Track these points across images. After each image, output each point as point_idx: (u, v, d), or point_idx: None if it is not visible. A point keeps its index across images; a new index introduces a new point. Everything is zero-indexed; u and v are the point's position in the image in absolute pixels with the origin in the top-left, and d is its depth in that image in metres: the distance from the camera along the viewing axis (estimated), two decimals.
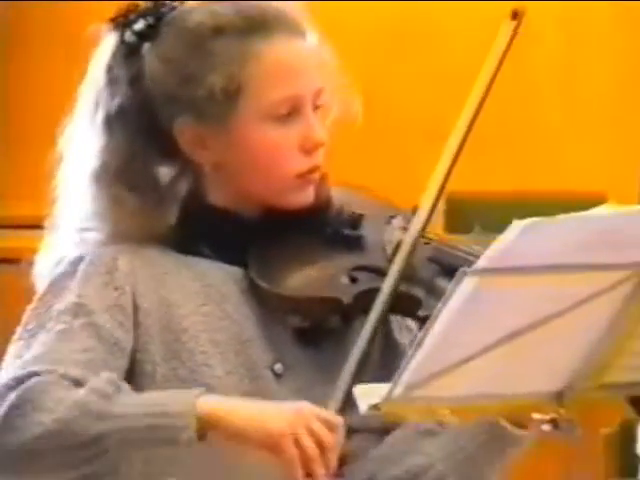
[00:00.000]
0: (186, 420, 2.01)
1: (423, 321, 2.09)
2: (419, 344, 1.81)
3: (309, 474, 2.00)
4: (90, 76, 2.21)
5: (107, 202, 2.21)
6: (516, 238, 1.75)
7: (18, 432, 2.05)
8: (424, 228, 2.14)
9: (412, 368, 1.83)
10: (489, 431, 2.13)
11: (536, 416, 1.99)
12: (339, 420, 2.00)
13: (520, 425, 2.10)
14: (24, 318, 2.20)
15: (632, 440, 3.48)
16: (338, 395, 2.05)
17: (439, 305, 1.79)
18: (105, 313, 2.18)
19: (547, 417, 1.99)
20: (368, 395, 1.93)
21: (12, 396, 2.01)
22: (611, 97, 5.94)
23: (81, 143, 2.21)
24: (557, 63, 6.68)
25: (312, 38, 2.22)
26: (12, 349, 2.15)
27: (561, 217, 1.77)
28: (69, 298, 2.16)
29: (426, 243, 2.18)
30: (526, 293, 1.85)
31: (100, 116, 2.18)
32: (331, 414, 2.03)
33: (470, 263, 1.90)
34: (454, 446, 2.19)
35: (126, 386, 2.09)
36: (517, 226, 1.71)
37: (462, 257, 2.16)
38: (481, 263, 1.75)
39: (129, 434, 2.04)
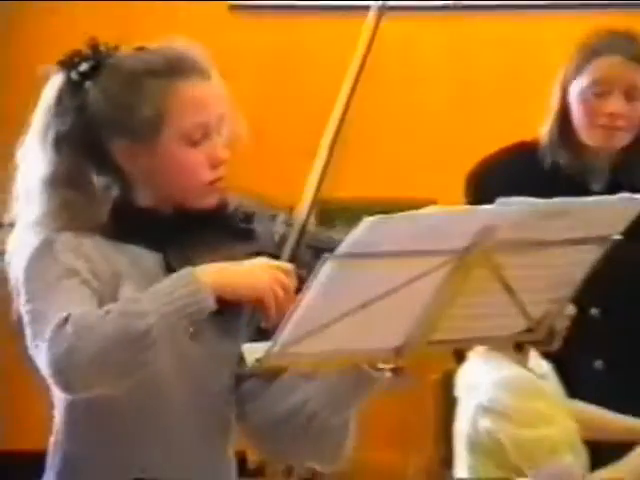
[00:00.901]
0: (203, 294, 2.38)
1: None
2: (293, 311, 2.20)
3: (281, 312, 2.37)
4: (42, 105, 2.56)
5: (57, 202, 2.54)
6: (365, 231, 2.13)
7: (84, 351, 2.37)
8: (305, 224, 2.54)
9: (287, 330, 2.21)
10: (354, 374, 2.47)
11: (381, 366, 2.42)
12: (291, 266, 2.45)
13: (376, 369, 2.48)
14: (25, 308, 2.52)
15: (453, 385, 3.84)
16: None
17: (308, 281, 2.18)
18: (88, 273, 2.50)
19: (389, 366, 2.42)
20: (254, 352, 2.33)
21: (67, 329, 2.34)
22: (445, 116, 6.33)
23: (34, 157, 2.55)
24: (398, 81, 7.13)
25: (216, 79, 2.58)
26: (30, 329, 2.48)
27: (397, 215, 2.17)
28: (57, 268, 2.48)
29: (305, 234, 2.56)
30: (373, 272, 2.23)
31: (50, 136, 2.52)
32: (285, 264, 2.47)
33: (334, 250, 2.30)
34: (326, 386, 2.54)
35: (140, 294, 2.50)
36: (366, 221, 2.10)
37: (330, 245, 2.43)
38: (339, 250, 2.13)
39: (168, 319, 2.38)
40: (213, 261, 2.50)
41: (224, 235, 2.62)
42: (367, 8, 3.05)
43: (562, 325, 3.22)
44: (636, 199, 2.44)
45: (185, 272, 2.42)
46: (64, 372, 2.43)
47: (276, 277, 2.44)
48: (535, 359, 3.75)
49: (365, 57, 2.59)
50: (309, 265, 2.49)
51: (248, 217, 2.62)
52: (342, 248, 2.15)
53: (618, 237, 2.44)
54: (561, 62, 3.95)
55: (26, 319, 2.50)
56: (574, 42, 3.94)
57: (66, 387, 2.44)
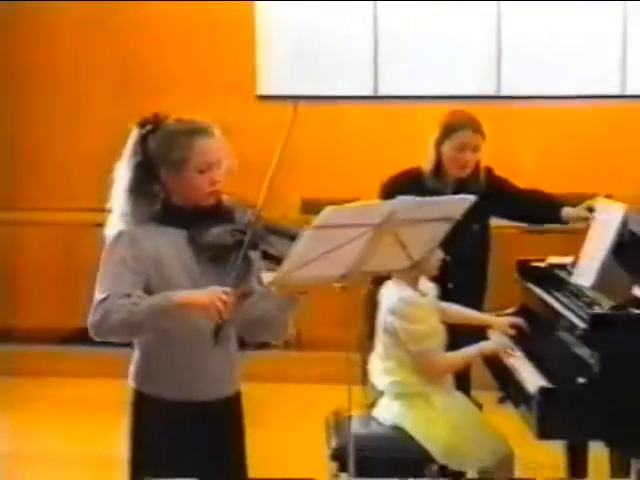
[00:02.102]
0: (174, 304, 3.22)
1: (264, 254, 3.34)
2: (289, 255, 3.15)
3: (221, 319, 3.16)
4: (128, 145, 3.40)
5: (130, 203, 3.38)
6: (326, 214, 3.12)
7: (105, 325, 3.24)
8: (259, 214, 3.30)
9: (286, 266, 3.17)
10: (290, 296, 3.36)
11: (337, 285, 3.40)
12: (229, 290, 3.16)
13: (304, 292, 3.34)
14: (100, 266, 3.36)
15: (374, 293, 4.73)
16: (232, 282, 3.24)
17: (297, 240, 3.12)
18: (133, 264, 3.32)
19: (339, 285, 3.41)
20: (267, 278, 3.33)
21: (102, 306, 3.24)
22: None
23: (122, 175, 3.39)
24: None
25: (217, 137, 3.41)
26: (97, 283, 3.33)
27: (343, 205, 3.17)
28: (116, 255, 3.34)
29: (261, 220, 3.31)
30: (330, 235, 3.18)
31: (130, 164, 3.39)
32: (225, 289, 3.15)
33: (289, 230, 3.27)
34: (277, 302, 3.38)
35: (145, 296, 3.26)
36: (327, 209, 3.14)
37: (281, 229, 3.34)
38: (314, 225, 3.11)
39: (153, 313, 3.24)
40: (213, 233, 3.30)
41: (218, 219, 3.40)
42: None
43: (435, 264, 4.50)
44: (465, 199, 3.51)
45: (166, 296, 3.22)
46: (93, 330, 3.28)
47: (217, 297, 3.16)
48: (423, 283, 4.68)
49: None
50: (265, 237, 3.32)
51: (231, 210, 3.45)
52: (315, 223, 3.11)
53: (458, 218, 3.51)
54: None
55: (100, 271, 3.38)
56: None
57: (93, 335, 3.29)
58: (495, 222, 5.53)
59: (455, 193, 4.90)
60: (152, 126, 3.42)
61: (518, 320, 4.78)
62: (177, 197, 3.43)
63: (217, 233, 3.36)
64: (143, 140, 3.41)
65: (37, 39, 9.32)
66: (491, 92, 9.08)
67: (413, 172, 5.17)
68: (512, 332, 4.71)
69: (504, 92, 9.10)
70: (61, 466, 6.27)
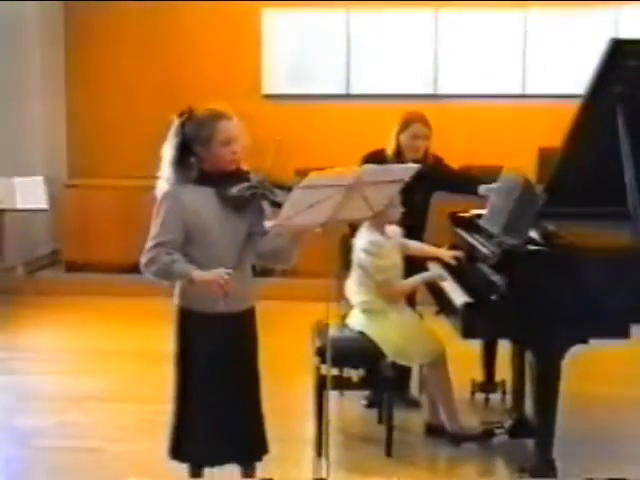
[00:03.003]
0: (192, 277, 3.28)
1: (271, 203, 3.35)
2: (284, 204, 3.15)
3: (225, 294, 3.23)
4: (171, 130, 3.42)
5: (174, 170, 3.42)
6: (312, 177, 3.15)
7: (150, 268, 3.33)
8: (267, 175, 3.34)
9: (282, 216, 3.19)
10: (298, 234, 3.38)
11: (317, 230, 3.39)
12: (230, 271, 3.21)
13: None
14: (152, 217, 3.40)
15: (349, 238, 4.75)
16: (248, 225, 3.36)
17: (292, 192, 3.11)
18: (177, 214, 3.35)
19: (321, 229, 3.40)
20: (268, 224, 3.37)
21: (151, 252, 3.32)
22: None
23: (167, 151, 3.42)
24: None
25: (235, 119, 3.42)
26: (151, 229, 3.38)
27: (325, 170, 3.20)
28: (163, 209, 3.38)
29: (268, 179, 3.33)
30: (315, 193, 3.18)
31: (173, 143, 3.42)
32: (227, 271, 3.21)
33: (288, 185, 3.27)
34: (286, 239, 3.41)
35: (181, 259, 3.30)
36: (312, 173, 3.16)
37: (283, 184, 3.33)
38: (302, 184, 3.12)
39: (178, 276, 3.33)
40: (234, 189, 3.32)
41: (237, 180, 3.41)
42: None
43: (397, 215, 4.49)
44: (411, 167, 3.55)
45: (187, 272, 3.27)
46: (142, 268, 3.34)
47: (219, 276, 3.23)
48: (390, 228, 4.71)
49: None
50: (271, 190, 3.32)
51: (247, 173, 3.44)
52: (302, 183, 3.14)
53: (407, 180, 3.54)
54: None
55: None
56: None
57: (142, 270, 3.35)
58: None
59: None
60: (187, 115, 3.44)
61: (458, 253, 4.75)
62: (207, 165, 3.43)
63: (237, 189, 3.37)
64: (181, 126, 3.43)
65: (106, 45, 9.39)
66: (430, 92, 9.06)
67: (380, 153, 5.11)
68: (454, 262, 4.69)
69: (440, 92, 9.09)
70: (119, 358, 6.36)
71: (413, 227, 4.99)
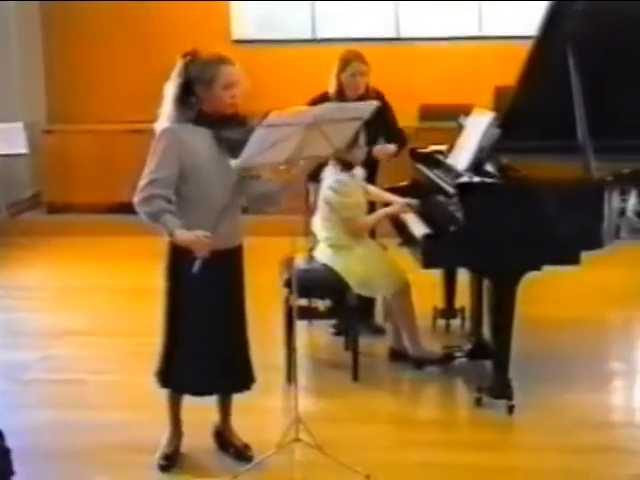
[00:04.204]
0: (173, 232, 3.21)
1: None
2: (246, 147, 3.06)
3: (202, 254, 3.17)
4: (174, 70, 3.35)
5: (175, 108, 3.34)
6: (273, 116, 3.08)
7: (143, 209, 3.23)
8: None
9: (245, 156, 3.10)
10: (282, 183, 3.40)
11: (281, 167, 3.39)
12: (207, 234, 3.15)
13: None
14: (150, 152, 3.33)
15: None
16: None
17: (254, 132, 3.04)
18: (174, 151, 3.28)
19: (285, 167, 3.37)
20: (233, 163, 3.24)
21: (146, 190, 3.23)
22: None
23: (174, 90, 3.35)
24: None
25: (237, 65, 3.38)
26: (147, 164, 3.30)
27: (285, 109, 3.13)
28: (161, 145, 3.31)
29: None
30: (276, 131, 3.08)
31: (176, 82, 3.34)
32: (206, 233, 3.15)
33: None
34: (276, 184, 3.45)
35: (171, 210, 3.23)
36: (273, 112, 3.08)
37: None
38: (264, 123, 3.05)
39: (164, 227, 3.22)
40: (231, 132, 3.30)
41: (234, 123, 3.37)
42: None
43: (361, 155, 4.42)
44: (370, 104, 3.46)
45: (172, 228, 3.20)
46: (136, 206, 3.24)
47: (197, 237, 3.19)
48: (357, 169, 4.64)
49: None
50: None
51: (245, 117, 3.41)
52: (265, 122, 3.07)
53: (366, 118, 3.44)
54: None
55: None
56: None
57: (135, 208, 3.26)
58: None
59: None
60: (191, 57, 3.38)
61: (413, 201, 4.66)
62: (207, 107, 3.37)
63: (233, 132, 3.32)
64: (185, 67, 3.36)
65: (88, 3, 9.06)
66: (393, 35, 8.93)
67: (323, 95, 4.98)
68: (408, 210, 4.62)
69: (402, 35, 8.94)
70: (102, 295, 6.29)
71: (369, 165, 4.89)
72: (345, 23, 8.88)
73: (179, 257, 3.36)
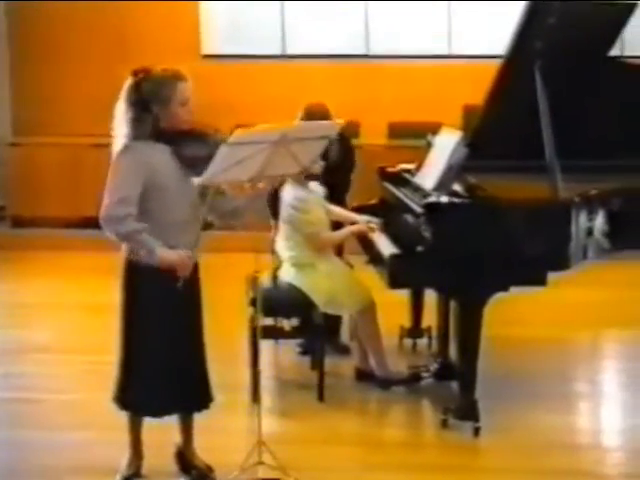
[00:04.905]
0: (156, 253, 3.21)
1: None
2: (211, 164, 3.05)
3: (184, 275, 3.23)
4: (124, 89, 3.30)
5: (133, 127, 3.27)
6: (239, 134, 3.06)
7: (114, 228, 3.19)
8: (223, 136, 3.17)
9: (209, 172, 3.09)
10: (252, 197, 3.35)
11: (246, 186, 3.32)
12: (189, 254, 3.23)
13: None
14: (110, 172, 3.28)
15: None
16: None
17: (219, 149, 3.01)
18: (136, 169, 3.24)
19: (249, 185, 3.29)
20: (196, 180, 3.26)
21: (117, 212, 3.18)
22: None
23: (122, 110, 3.29)
24: None
25: (190, 82, 3.33)
26: (109, 184, 3.24)
27: (252, 128, 3.12)
28: (122, 164, 3.27)
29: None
30: (242, 149, 3.06)
31: (129, 102, 3.27)
32: (189, 253, 3.23)
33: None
34: (244, 200, 3.40)
35: (146, 228, 3.19)
36: (239, 130, 3.06)
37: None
38: (229, 142, 3.03)
39: (142, 247, 3.21)
40: (190, 149, 3.28)
41: (193, 139, 3.33)
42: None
43: (317, 168, 4.36)
44: (335, 123, 3.46)
45: (152, 247, 3.19)
46: (104, 224, 3.21)
47: (181, 257, 3.24)
48: (314, 185, 4.60)
49: None
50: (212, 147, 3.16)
51: (203, 132, 3.35)
52: (229, 140, 3.06)
53: (334, 137, 3.47)
54: None
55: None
56: None
57: (102, 225, 3.22)
58: (366, 140, 5.44)
59: None
60: (144, 74, 3.32)
61: (375, 220, 4.64)
62: (164, 123, 3.32)
63: (193, 149, 3.28)
64: (137, 85, 3.30)
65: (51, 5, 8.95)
66: (362, 52, 8.93)
67: None
68: (371, 231, 4.58)
69: (371, 52, 8.95)
70: (63, 311, 6.23)
71: (335, 185, 4.85)
72: (315, 39, 8.88)
73: (135, 275, 3.32)
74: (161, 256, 3.21)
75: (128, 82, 3.32)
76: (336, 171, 4.76)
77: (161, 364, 3.38)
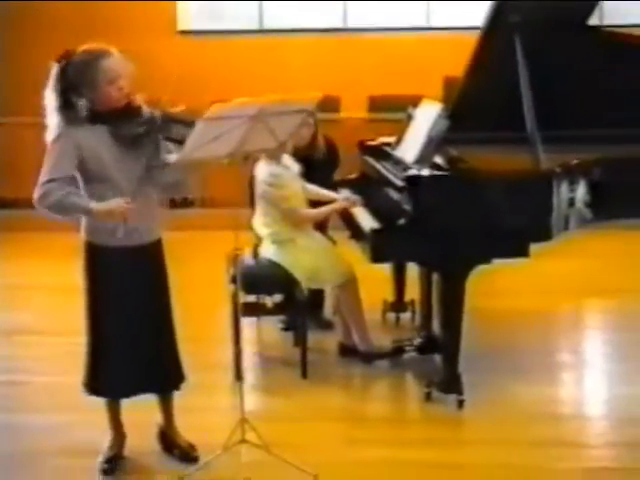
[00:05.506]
0: (88, 207, 3.13)
1: (166, 138, 3.21)
2: (188, 141, 2.98)
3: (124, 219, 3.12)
4: (52, 74, 3.20)
5: (63, 113, 3.19)
6: (216, 108, 2.97)
7: (44, 202, 3.13)
8: (163, 110, 3.19)
9: (188, 145, 3.01)
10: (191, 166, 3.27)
11: (224, 161, 3.20)
12: (129, 199, 3.10)
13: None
14: (45, 158, 3.21)
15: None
16: (144, 161, 3.18)
17: (193, 129, 2.94)
18: (69, 154, 3.17)
19: (227, 161, 3.21)
20: (172, 158, 3.20)
21: (44, 187, 3.13)
22: None
23: (51, 97, 3.20)
24: None
25: (116, 55, 3.20)
26: (42, 170, 3.19)
27: (230, 102, 3.02)
28: (56, 148, 3.19)
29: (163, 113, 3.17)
30: (217, 125, 2.99)
31: (57, 88, 3.19)
32: (126, 199, 3.09)
33: (184, 118, 3.12)
34: (184, 171, 3.33)
35: (74, 191, 3.15)
36: (216, 104, 2.97)
37: (178, 118, 3.17)
38: (205, 117, 2.94)
39: (74, 209, 3.15)
40: (127, 126, 3.19)
41: (130, 116, 3.22)
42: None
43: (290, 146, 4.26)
44: (313, 96, 3.33)
45: (85, 204, 3.13)
46: (36, 204, 3.15)
47: (118, 204, 3.12)
48: (288, 160, 4.54)
49: None
50: (168, 126, 3.16)
51: (139, 108, 3.24)
52: (205, 116, 2.97)
53: (311, 110, 3.41)
54: None
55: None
56: None
57: (35, 205, 3.17)
58: (346, 114, 5.37)
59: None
60: (66, 60, 3.20)
61: (351, 196, 4.60)
62: (98, 105, 3.21)
63: (130, 126, 3.20)
64: (63, 72, 3.20)
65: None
66: (340, 26, 8.87)
67: None
68: (348, 207, 4.56)
69: (349, 26, 8.88)
70: (45, 292, 6.16)
71: (316, 182, 4.76)
72: (292, 14, 8.80)
73: (96, 257, 3.29)
74: (96, 208, 3.14)
75: (53, 69, 3.22)
76: (319, 170, 4.74)
77: (125, 346, 3.34)
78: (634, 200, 4.13)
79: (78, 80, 3.19)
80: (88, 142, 3.20)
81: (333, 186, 4.86)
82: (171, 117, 3.19)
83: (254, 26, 8.87)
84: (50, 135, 3.22)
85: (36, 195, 3.16)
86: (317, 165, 4.73)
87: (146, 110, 3.22)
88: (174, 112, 3.22)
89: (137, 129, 3.17)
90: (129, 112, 3.23)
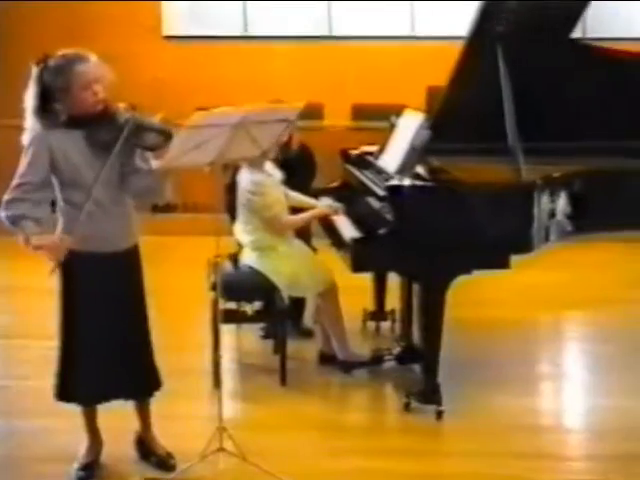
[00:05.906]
0: (28, 239, 3.10)
1: (138, 145, 3.19)
2: (170, 148, 3.02)
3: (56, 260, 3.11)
4: (31, 79, 3.19)
5: (39, 117, 3.18)
6: (200, 116, 3.02)
7: (7, 211, 3.12)
8: (135, 117, 3.13)
9: (170, 152, 3.05)
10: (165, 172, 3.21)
11: (206, 169, 3.20)
12: (64, 237, 3.12)
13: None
14: (20, 162, 3.21)
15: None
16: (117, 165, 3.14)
17: (178, 133, 2.96)
18: (43, 157, 3.16)
19: (208, 169, 3.21)
20: (155, 164, 3.22)
21: (12, 193, 3.14)
22: None
23: (30, 102, 3.19)
24: None
25: (93, 60, 3.19)
26: (18, 169, 3.19)
27: (212, 110, 3.05)
28: (30, 151, 3.19)
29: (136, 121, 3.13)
30: (200, 132, 3.00)
31: (34, 92, 3.18)
32: (62, 237, 3.12)
33: (156, 126, 3.10)
34: (157, 177, 3.23)
35: (34, 217, 3.11)
36: (198, 113, 3.00)
37: (150, 126, 3.14)
38: (189, 124, 2.96)
39: (21, 228, 3.11)
40: (101, 132, 3.16)
41: (104, 122, 3.19)
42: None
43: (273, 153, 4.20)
44: (296, 106, 3.34)
45: (27, 234, 3.10)
46: (2, 206, 3.14)
47: (53, 241, 3.14)
48: (270, 167, 4.52)
49: None
50: (141, 134, 3.13)
51: (114, 114, 3.21)
52: (188, 124, 2.99)
53: (293, 119, 3.38)
54: None
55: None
56: None
57: (1, 207, 3.15)
58: (329, 122, 5.35)
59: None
60: (44, 64, 3.19)
61: (333, 204, 4.61)
62: (74, 109, 3.19)
63: (105, 132, 3.17)
64: (41, 75, 3.18)
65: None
66: (325, 33, 8.86)
67: None
68: (330, 215, 4.57)
69: (334, 33, 8.87)
70: (22, 295, 6.09)
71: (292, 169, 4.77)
72: (277, 20, 8.80)
73: (69, 261, 3.23)
74: (33, 243, 3.13)
75: (33, 71, 3.21)
76: (295, 176, 4.73)
77: (95, 352, 3.31)
78: (614, 212, 4.15)
79: (53, 84, 3.17)
80: (62, 146, 3.19)
81: (312, 193, 4.86)
82: (143, 125, 3.16)
83: (238, 32, 8.87)
84: (26, 138, 3.21)
85: (6, 197, 3.16)
86: (292, 171, 4.68)
87: (121, 116, 3.20)
88: (147, 120, 3.20)
89: (110, 136, 3.15)
90: (103, 118, 3.21)
